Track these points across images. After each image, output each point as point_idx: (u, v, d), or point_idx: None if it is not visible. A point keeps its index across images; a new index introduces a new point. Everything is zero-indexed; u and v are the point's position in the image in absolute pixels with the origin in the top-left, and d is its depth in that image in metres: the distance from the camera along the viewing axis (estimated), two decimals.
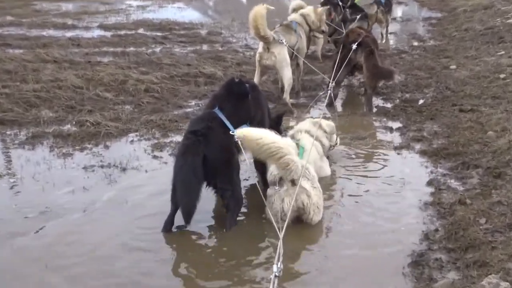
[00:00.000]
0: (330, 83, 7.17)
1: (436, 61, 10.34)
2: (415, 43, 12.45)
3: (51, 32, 13.67)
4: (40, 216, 4.80)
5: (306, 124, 5.70)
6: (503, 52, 9.86)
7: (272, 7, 7.37)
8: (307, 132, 5.46)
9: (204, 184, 4.48)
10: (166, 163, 5.94)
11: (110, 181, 5.51)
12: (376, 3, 12.73)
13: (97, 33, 13.70)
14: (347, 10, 11.12)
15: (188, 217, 4.36)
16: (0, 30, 13.83)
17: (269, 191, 4.65)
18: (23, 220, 4.75)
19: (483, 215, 4.53)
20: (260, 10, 7.10)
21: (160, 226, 4.53)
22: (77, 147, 6.34)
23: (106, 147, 6.41)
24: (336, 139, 6.01)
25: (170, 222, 4.53)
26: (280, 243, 3.60)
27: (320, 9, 8.66)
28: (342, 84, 8.40)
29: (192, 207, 4.32)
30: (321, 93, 7.48)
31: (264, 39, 7.38)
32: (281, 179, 4.51)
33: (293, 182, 4.43)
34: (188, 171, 4.27)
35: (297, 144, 5.17)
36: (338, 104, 8.22)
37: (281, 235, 3.74)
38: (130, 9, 18.53)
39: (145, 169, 5.81)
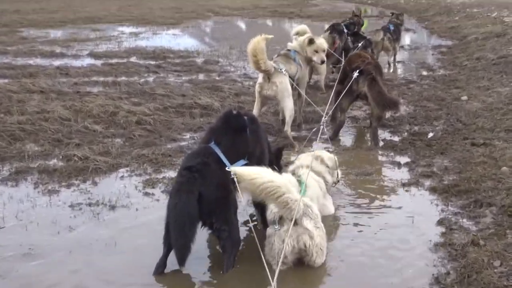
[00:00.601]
0: (323, 118, 7.00)
1: (447, 91, 10.43)
2: (424, 73, 12.59)
3: (38, 61, 13.88)
4: (22, 258, 4.78)
5: (307, 158, 5.70)
6: None
7: (271, 36, 7.41)
8: (309, 167, 5.47)
9: (199, 224, 4.48)
10: (158, 200, 5.94)
11: (98, 220, 5.50)
12: (383, 30, 12.93)
13: (87, 61, 13.89)
14: (349, 38, 11.30)
15: (182, 259, 4.34)
16: None
17: (269, 230, 4.63)
18: (4, 261, 4.72)
19: (497, 257, 4.52)
20: (259, 43, 7.11)
21: (152, 268, 4.51)
22: (63, 184, 6.35)
23: (95, 183, 6.42)
24: (337, 175, 6.01)
25: (162, 264, 4.51)
26: None
27: (322, 39, 8.64)
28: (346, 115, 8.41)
29: (187, 249, 4.29)
30: (314, 129, 7.32)
31: (265, 72, 7.45)
32: (281, 218, 4.50)
33: (295, 222, 4.40)
34: (182, 211, 4.27)
35: (299, 181, 5.18)
36: (342, 137, 8.24)
37: (273, 282, 3.72)
38: (122, 36, 18.78)
39: (135, 207, 5.80)
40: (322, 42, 8.61)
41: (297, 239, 4.43)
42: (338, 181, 6.06)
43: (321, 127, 6.67)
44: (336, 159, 5.93)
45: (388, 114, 8.31)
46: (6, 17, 24.25)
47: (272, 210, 4.64)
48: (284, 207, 4.34)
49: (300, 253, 4.53)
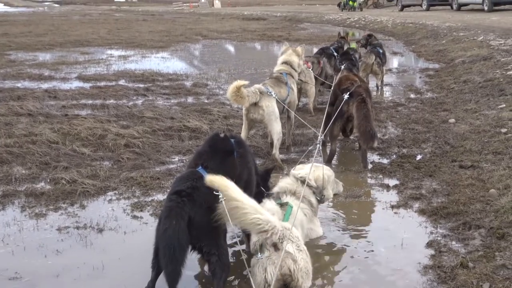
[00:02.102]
0: (319, 136, 6.94)
1: (434, 114, 10.50)
2: (412, 96, 12.66)
3: (26, 84, 13.89)
4: (8, 282, 4.75)
5: (289, 182, 5.48)
6: (504, 105, 10.04)
7: (247, 82, 7.38)
8: (293, 193, 5.31)
9: (189, 248, 4.45)
10: (146, 223, 5.92)
11: (86, 244, 5.47)
12: (374, 53, 13.01)
13: (76, 84, 13.91)
14: (338, 58, 11.36)
15: (173, 284, 4.30)
16: None
17: (252, 260, 4.52)
18: None
19: (486, 280, 4.53)
20: (235, 94, 7.12)
21: None
22: (51, 207, 6.32)
23: (82, 206, 6.39)
24: (331, 191, 5.69)
25: None
26: None
27: (299, 47, 8.78)
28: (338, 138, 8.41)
29: (177, 274, 4.26)
30: (310, 147, 7.37)
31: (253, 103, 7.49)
32: (261, 246, 4.30)
33: (276, 247, 4.22)
34: (172, 236, 4.22)
35: (281, 205, 5.10)
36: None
37: None
38: (111, 59, 18.82)
39: (123, 230, 5.78)
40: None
41: (280, 265, 4.19)
42: (335, 195, 5.84)
43: (317, 145, 6.56)
44: (326, 175, 5.65)
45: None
46: None
47: (253, 240, 4.52)
48: (259, 232, 4.17)
49: (285, 279, 4.30)
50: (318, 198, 5.55)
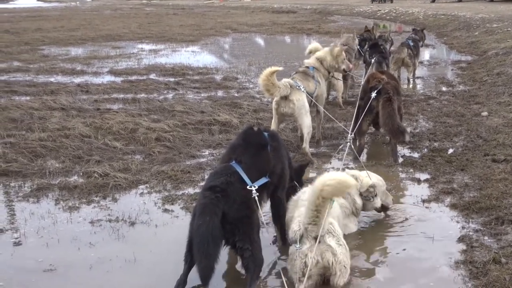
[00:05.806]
0: (349, 134, 6.96)
1: (467, 107, 10.37)
2: (444, 88, 12.52)
3: (59, 78, 14.10)
4: (43, 274, 4.84)
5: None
6: None
7: (281, 68, 7.40)
8: None
9: (222, 243, 4.45)
10: (177, 217, 5.97)
11: (118, 237, 5.55)
12: (406, 46, 12.89)
13: (107, 78, 14.06)
14: (367, 50, 11.25)
15: (206, 279, 4.30)
16: (7, 76, 14.30)
17: (291, 248, 4.60)
18: (25, 278, 4.78)
19: None
20: (268, 78, 7.12)
21: (172, 285, 4.51)
22: (83, 200, 6.42)
23: (115, 200, 6.47)
24: (378, 202, 5.82)
25: (183, 282, 4.48)
26: None
27: (337, 48, 8.56)
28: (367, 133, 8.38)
29: (211, 269, 4.26)
30: (340, 146, 7.35)
31: (284, 97, 7.48)
32: (302, 236, 4.44)
33: (317, 239, 4.31)
34: (206, 233, 4.23)
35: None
36: (362, 154, 8.22)
37: None
38: (142, 54, 18.96)
39: (155, 223, 5.84)
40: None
41: (320, 256, 4.36)
42: (383, 207, 5.93)
43: (348, 143, 6.59)
44: (378, 184, 5.80)
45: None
46: (28, 35, 24.62)
47: (294, 229, 4.61)
48: (309, 224, 4.29)
49: (324, 270, 4.43)
50: (364, 200, 5.69)
